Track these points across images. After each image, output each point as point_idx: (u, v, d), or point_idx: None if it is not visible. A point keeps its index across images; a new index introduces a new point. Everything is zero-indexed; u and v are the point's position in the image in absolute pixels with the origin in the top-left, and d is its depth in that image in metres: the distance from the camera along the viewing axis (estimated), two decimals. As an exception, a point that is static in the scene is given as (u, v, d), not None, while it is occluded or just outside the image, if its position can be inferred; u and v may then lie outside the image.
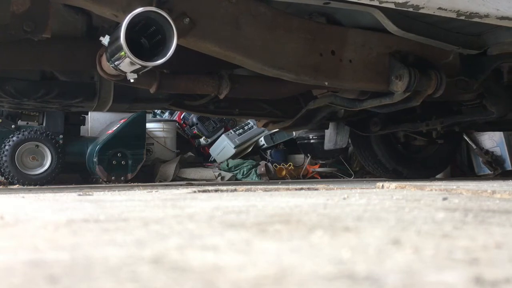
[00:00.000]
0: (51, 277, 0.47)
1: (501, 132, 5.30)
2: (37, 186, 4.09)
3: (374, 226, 0.78)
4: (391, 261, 0.53)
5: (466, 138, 5.58)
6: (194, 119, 5.99)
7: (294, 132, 5.65)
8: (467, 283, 0.44)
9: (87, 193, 1.86)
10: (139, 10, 1.85)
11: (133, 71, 2.08)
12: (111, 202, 1.34)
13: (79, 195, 1.76)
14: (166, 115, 6.09)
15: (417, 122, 3.66)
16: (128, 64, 2.00)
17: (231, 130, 5.79)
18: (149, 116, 5.46)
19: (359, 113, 3.49)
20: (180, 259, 0.55)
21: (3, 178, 4.36)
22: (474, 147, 5.51)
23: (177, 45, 1.95)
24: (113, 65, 2.07)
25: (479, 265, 0.51)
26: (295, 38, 2.39)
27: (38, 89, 2.69)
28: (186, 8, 2.07)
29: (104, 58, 2.16)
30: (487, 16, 2.15)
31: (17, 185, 4.24)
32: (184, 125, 6.13)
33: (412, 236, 0.69)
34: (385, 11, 2.26)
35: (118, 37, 1.87)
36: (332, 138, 4.08)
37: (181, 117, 6.08)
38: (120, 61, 2.00)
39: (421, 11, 2.13)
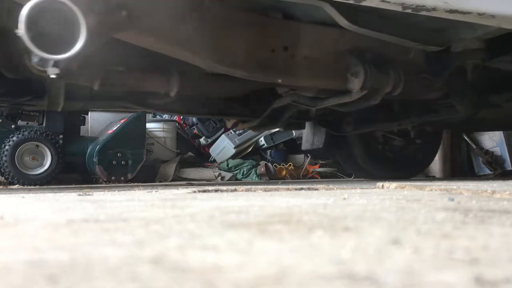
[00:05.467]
0: (51, 277, 0.47)
1: (501, 132, 5.30)
2: (37, 186, 4.09)
3: (374, 226, 0.78)
4: (391, 261, 0.53)
5: (466, 138, 5.58)
6: (194, 119, 5.99)
7: (294, 132, 5.65)
8: (467, 283, 0.44)
9: (87, 193, 1.86)
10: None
11: (52, 66, 1.91)
12: (111, 202, 1.34)
13: (79, 195, 1.76)
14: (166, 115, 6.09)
15: (389, 122, 3.58)
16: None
17: (231, 130, 5.79)
18: (149, 116, 5.46)
19: (332, 112, 3.40)
20: (180, 259, 0.55)
21: (3, 178, 4.37)
22: (474, 147, 5.51)
23: (120, 40, 1.88)
24: (29, 59, 1.92)
25: (479, 265, 0.51)
26: (245, 34, 2.30)
27: None
28: (124, 0, 1.97)
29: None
30: (434, 9, 2.01)
31: (17, 185, 4.24)
32: (184, 125, 6.13)
33: (412, 236, 0.69)
34: (337, 5, 2.18)
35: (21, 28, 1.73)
36: (309, 138, 4.01)
37: (181, 117, 6.07)
38: (32, 54, 1.85)
39: (363, 3, 2.02)
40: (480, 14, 1.99)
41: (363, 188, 1.97)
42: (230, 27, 2.26)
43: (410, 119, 3.47)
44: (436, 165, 5.53)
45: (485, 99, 3.16)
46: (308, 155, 5.61)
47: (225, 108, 3.30)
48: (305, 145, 4.10)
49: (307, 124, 3.98)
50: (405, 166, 4.20)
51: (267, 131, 5.60)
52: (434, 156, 4.69)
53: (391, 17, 2.38)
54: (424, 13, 2.02)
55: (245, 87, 2.81)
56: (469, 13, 1.98)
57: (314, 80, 2.56)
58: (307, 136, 4.03)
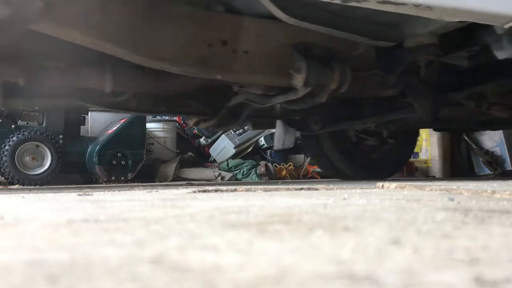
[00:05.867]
0: (51, 277, 0.47)
1: (501, 132, 5.30)
2: (37, 186, 4.09)
3: (374, 226, 0.78)
4: (391, 261, 0.53)
5: (466, 138, 5.58)
6: (194, 119, 5.98)
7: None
8: (467, 283, 0.44)
9: (87, 193, 1.86)
10: None
11: None
12: (111, 202, 1.34)
13: (79, 195, 1.76)
14: (166, 115, 6.09)
15: (354, 121, 3.46)
16: None
17: (231, 130, 5.79)
18: (149, 116, 5.47)
19: (297, 111, 3.24)
20: (180, 259, 0.55)
21: (3, 178, 4.37)
22: (474, 147, 5.51)
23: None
24: None
25: (479, 265, 0.51)
26: (177, 27, 2.19)
27: None
28: None
29: None
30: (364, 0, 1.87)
31: (17, 185, 4.24)
32: (184, 125, 6.13)
33: (412, 236, 0.69)
34: None
35: None
36: (280, 137, 3.88)
37: (181, 117, 6.07)
38: None
39: None
40: (416, 6, 1.86)
41: (363, 188, 1.97)
42: (161, 19, 2.16)
43: (372, 118, 3.37)
44: (436, 165, 5.54)
45: (444, 97, 3.06)
46: (308, 155, 5.61)
47: (184, 106, 3.17)
48: (276, 145, 3.97)
49: (278, 123, 3.85)
50: (380, 166, 4.12)
51: (267, 131, 5.59)
52: (410, 156, 4.58)
53: (337, 11, 2.27)
54: (353, 4, 1.89)
55: (190, 83, 2.68)
56: (403, 4, 1.85)
57: (256, 76, 2.44)
58: (279, 135, 3.92)
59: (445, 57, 2.69)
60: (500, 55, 2.22)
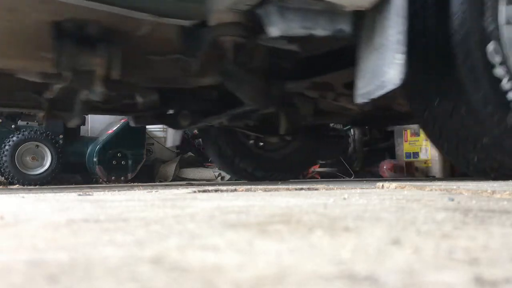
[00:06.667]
0: (51, 277, 0.47)
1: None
2: (37, 186, 4.09)
3: (374, 226, 0.78)
4: (391, 261, 0.53)
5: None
6: (194, 119, 5.97)
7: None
8: (467, 283, 0.44)
9: (87, 193, 1.86)
10: None
11: None
12: (111, 202, 1.34)
13: (79, 195, 1.76)
14: (166, 115, 6.08)
15: (211, 116, 3.09)
16: None
17: (231, 130, 5.79)
18: (149, 116, 5.46)
19: (167, 104, 2.93)
20: (180, 259, 0.55)
21: (3, 178, 4.37)
22: (474, 147, 5.50)
23: None
24: None
25: (479, 265, 0.51)
26: None
27: None
28: None
29: None
30: None
31: (17, 185, 4.25)
32: (184, 125, 6.12)
33: (412, 236, 0.69)
34: None
35: None
36: (171, 135, 3.63)
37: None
38: None
39: None
40: None
41: (363, 188, 1.97)
42: None
43: (226, 113, 3.02)
44: (436, 165, 5.54)
45: (280, 87, 2.76)
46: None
47: (25, 99, 2.75)
48: (168, 143, 3.77)
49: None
50: (284, 166, 3.90)
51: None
52: (319, 155, 4.28)
53: None
54: None
55: None
56: None
57: (4, 60, 2.11)
58: (173, 134, 3.64)
59: (256, 39, 2.27)
60: (272, 31, 1.85)
